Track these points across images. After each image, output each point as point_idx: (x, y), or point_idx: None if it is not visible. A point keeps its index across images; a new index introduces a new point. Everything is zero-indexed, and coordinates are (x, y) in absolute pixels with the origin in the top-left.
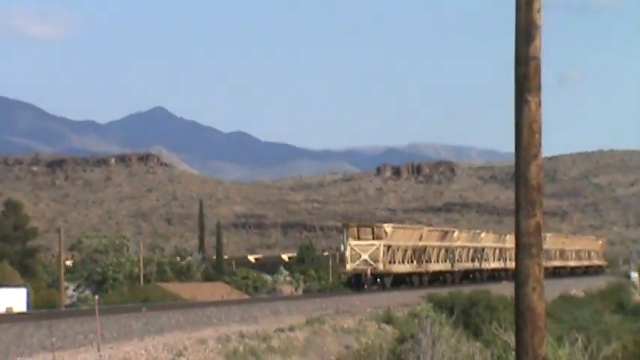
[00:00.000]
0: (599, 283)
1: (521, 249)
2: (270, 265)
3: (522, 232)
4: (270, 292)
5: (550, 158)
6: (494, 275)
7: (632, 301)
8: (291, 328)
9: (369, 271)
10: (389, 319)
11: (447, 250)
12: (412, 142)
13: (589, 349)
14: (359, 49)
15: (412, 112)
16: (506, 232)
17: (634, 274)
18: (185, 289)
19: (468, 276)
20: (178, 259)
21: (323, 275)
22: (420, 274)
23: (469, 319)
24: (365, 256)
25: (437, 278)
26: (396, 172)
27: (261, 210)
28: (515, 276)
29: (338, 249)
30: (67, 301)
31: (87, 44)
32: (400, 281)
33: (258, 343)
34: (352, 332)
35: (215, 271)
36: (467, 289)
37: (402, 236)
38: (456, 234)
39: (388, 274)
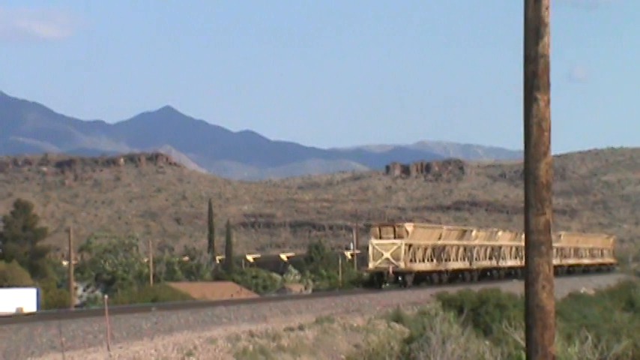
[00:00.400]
0: (609, 281)
1: (531, 247)
2: (270, 265)
3: (532, 230)
4: (279, 291)
5: (559, 156)
6: (511, 273)
7: None
8: (301, 327)
9: (390, 270)
10: (398, 318)
11: (465, 249)
12: (420, 140)
13: (599, 347)
14: (367, 48)
15: (420, 110)
16: (522, 230)
17: None
18: (194, 289)
19: (485, 274)
20: (187, 258)
21: (332, 274)
22: (439, 272)
23: (479, 317)
24: (387, 255)
25: (456, 276)
26: (405, 170)
27: (270, 209)
28: (525, 274)
29: (347, 247)
30: (77, 301)
31: (95, 44)
32: (421, 279)
33: (268, 342)
34: (361, 331)
35: (224, 271)
36: (479, 288)
37: (422, 235)
38: (474, 233)
39: (409, 272)
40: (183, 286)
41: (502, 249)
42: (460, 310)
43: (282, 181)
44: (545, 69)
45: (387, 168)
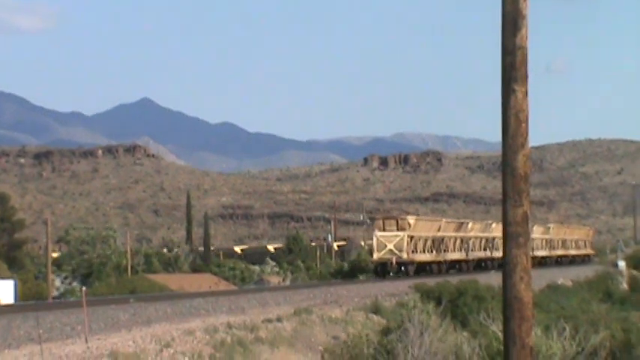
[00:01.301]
0: (586, 272)
1: (509, 238)
2: (256, 256)
3: (509, 222)
4: (257, 282)
5: (537, 147)
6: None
7: (620, 290)
8: (279, 319)
9: (394, 260)
10: (376, 310)
11: (462, 240)
12: (398, 131)
13: (577, 338)
14: (345, 40)
15: (398, 101)
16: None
17: (621, 263)
18: (172, 281)
19: (480, 264)
20: (165, 250)
21: (311, 265)
22: (439, 263)
23: (457, 309)
24: (390, 246)
25: (453, 266)
26: (384, 162)
27: (249, 201)
28: (503, 266)
29: (325, 239)
30: (55, 293)
31: (73, 35)
32: (421, 269)
33: (246, 334)
34: (340, 322)
35: (203, 262)
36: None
37: (423, 227)
38: (470, 225)
39: (412, 262)
40: (161, 278)
41: (495, 240)
42: (438, 302)
43: (260, 172)
44: (522, 61)
45: (365, 160)
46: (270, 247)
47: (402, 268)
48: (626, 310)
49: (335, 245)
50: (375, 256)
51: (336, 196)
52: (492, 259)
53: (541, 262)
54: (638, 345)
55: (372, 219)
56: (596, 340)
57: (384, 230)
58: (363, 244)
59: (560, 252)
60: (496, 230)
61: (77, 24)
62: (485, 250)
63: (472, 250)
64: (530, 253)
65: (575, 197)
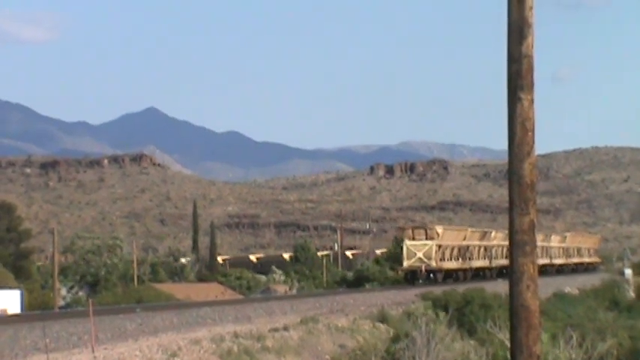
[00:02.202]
0: (593, 280)
1: (515, 247)
2: (270, 265)
3: (516, 230)
4: (264, 292)
5: (543, 156)
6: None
7: (626, 298)
8: (285, 328)
9: (423, 268)
10: (383, 318)
11: (485, 249)
12: (404, 140)
13: (584, 346)
14: (351, 48)
15: (404, 110)
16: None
17: (628, 271)
18: (179, 290)
19: (502, 271)
20: (172, 259)
21: (317, 275)
22: (464, 270)
23: (463, 317)
24: (419, 255)
25: (478, 273)
26: (390, 170)
27: (255, 210)
28: (510, 274)
29: (332, 248)
30: (61, 303)
31: (79, 45)
32: (448, 276)
33: (253, 343)
34: (346, 331)
35: (209, 272)
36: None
37: (450, 237)
38: (493, 234)
39: (440, 270)
40: (168, 287)
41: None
42: (445, 310)
43: (266, 181)
44: (528, 69)
45: (372, 168)
46: (286, 256)
47: (431, 275)
48: (633, 318)
49: (349, 253)
50: (405, 264)
51: (343, 205)
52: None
53: (559, 270)
54: None
55: (402, 229)
56: (603, 348)
57: (413, 239)
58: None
59: (575, 260)
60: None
61: (83, 34)
62: (506, 257)
63: (495, 258)
64: (549, 261)
65: (581, 205)
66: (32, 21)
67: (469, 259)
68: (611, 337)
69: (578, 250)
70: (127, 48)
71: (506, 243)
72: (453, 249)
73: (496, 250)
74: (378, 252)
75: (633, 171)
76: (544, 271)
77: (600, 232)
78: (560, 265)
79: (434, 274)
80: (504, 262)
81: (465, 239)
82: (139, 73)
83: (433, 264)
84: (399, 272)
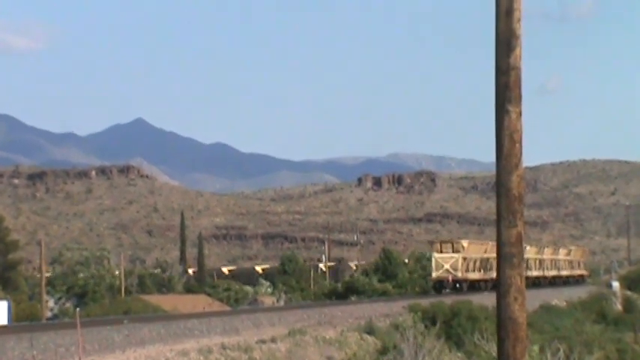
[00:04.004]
0: (580, 292)
1: (503, 259)
2: (245, 277)
3: (504, 243)
4: (251, 303)
5: (531, 168)
6: (535, 282)
7: (614, 311)
8: (273, 340)
9: (450, 278)
10: (370, 330)
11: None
12: (392, 152)
13: (571, 358)
14: (339, 60)
15: (392, 121)
16: (545, 245)
17: (615, 284)
18: (166, 301)
19: None
20: (159, 271)
21: (305, 286)
22: (485, 281)
23: (451, 329)
24: (447, 266)
25: (496, 284)
26: (377, 182)
27: (242, 221)
28: (497, 286)
29: (319, 260)
30: (49, 314)
31: (66, 56)
32: (471, 286)
33: (240, 355)
34: (334, 343)
35: (197, 283)
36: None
37: (474, 250)
38: None
39: (465, 280)
40: (155, 299)
41: (529, 261)
42: (432, 322)
43: (254, 193)
44: (516, 81)
45: (359, 180)
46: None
47: (457, 285)
48: (620, 331)
49: (322, 266)
50: (434, 274)
51: (330, 217)
52: (527, 278)
53: (551, 282)
54: None
55: (431, 242)
56: None
57: (441, 252)
58: (354, 266)
59: (578, 272)
60: (529, 252)
61: (71, 44)
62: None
63: None
64: (543, 274)
65: (569, 218)
66: (20, 31)
67: (490, 270)
68: (598, 349)
69: (578, 263)
70: (115, 59)
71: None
72: (476, 261)
73: None
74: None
75: (621, 184)
76: (537, 282)
77: (587, 244)
78: (567, 277)
79: (460, 284)
80: None
81: (486, 252)
82: (127, 85)
83: (459, 274)
84: (428, 282)
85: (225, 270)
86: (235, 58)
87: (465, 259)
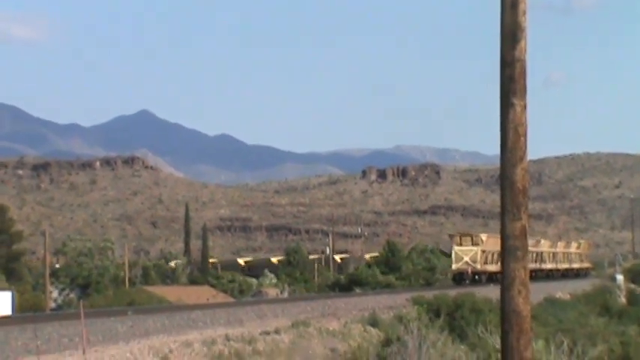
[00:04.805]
0: (584, 285)
1: (507, 252)
2: (261, 269)
3: (508, 236)
4: (255, 295)
5: (535, 161)
6: (548, 275)
7: (618, 304)
8: (277, 331)
9: (469, 270)
10: (374, 322)
11: None
12: (397, 144)
13: (575, 351)
14: (344, 52)
15: (397, 114)
16: (559, 239)
17: (619, 277)
18: (171, 292)
19: (531, 275)
20: (164, 262)
21: (308, 278)
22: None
23: (454, 322)
24: (466, 259)
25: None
26: (382, 174)
27: (247, 213)
28: (501, 279)
29: (324, 252)
30: (52, 305)
31: (72, 47)
32: (490, 278)
33: (244, 346)
34: (337, 335)
35: (201, 274)
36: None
37: (492, 243)
38: None
39: (484, 272)
40: (159, 290)
41: (543, 254)
42: (436, 315)
43: (258, 185)
44: (521, 74)
45: (364, 172)
46: (274, 260)
47: (476, 277)
48: (624, 324)
49: (337, 257)
50: (454, 266)
51: (334, 209)
52: (541, 270)
53: (564, 274)
54: (637, 359)
55: (451, 236)
56: (594, 353)
57: (460, 245)
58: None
59: (587, 264)
60: (544, 246)
61: (76, 35)
62: (535, 262)
63: None
64: (556, 266)
65: (573, 211)
66: (24, 21)
67: None
68: (602, 342)
69: (587, 256)
70: (120, 50)
71: (534, 249)
72: (494, 254)
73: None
74: (367, 256)
75: (625, 177)
76: (550, 275)
77: (592, 237)
78: (579, 269)
79: (479, 276)
80: (533, 266)
81: None
82: (132, 76)
83: (478, 267)
84: (448, 274)
85: (241, 261)
86: (240, 49)
87: (483, 251)
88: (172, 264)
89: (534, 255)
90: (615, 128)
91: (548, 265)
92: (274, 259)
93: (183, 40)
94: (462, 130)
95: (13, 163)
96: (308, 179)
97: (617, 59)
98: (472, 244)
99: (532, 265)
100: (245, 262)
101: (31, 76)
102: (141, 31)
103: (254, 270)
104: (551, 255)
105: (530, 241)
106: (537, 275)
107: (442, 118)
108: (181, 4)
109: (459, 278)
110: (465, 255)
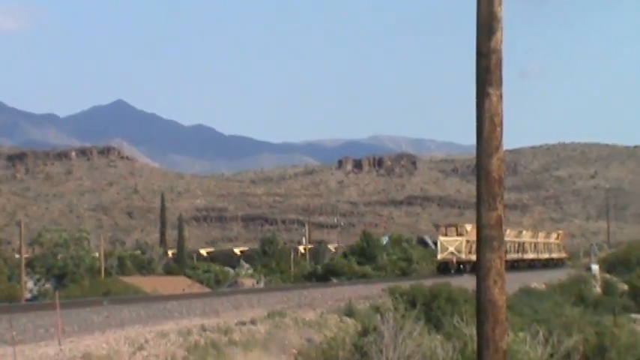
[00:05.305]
0: (559, 275)
1: (483, 242)
2: (224, 259)
3: (484, 225)
4: (231, 285)
5: (511, 151)
6: (530, 265)
7: (593, 294)
8: (253, 321)
9: (454, 260)
10: (350, 312)
11: None
12: (373, 134)
13: (550, 341)
14: (319, 41)
15: (373, 104)
16: (540, 229)
17: (595, 267)
18: (146, 283)
19: (513, 265)
20: (139, 252)
21: (285, 268)
22: None
23: (430, 312)
24: (451, 249)
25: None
26: (358, 165)
27: (222, 203)
28: (477, 269)
29: (299, 242)
30: (28, 295)
31: (47, 37)
32: (475, 268)
33: (220, 336)
34: (313, 325)
35: (177, 265)
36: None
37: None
38: (507, 232)
39: (468, 261)
40: (135, 280)
41: (524, 245)
42: (412, 305)
43: (234, 175)
44: (497, 64)
45: (340, 162)
46: (237, 250)
47: (461, 266)
48: (599, 314)
49: (301, 248)
50: (439, 256)
51: (310, 199)
52: (523, 260)
53: (544, 264)
54: (612, 349)
55: (437, 226)
56: (570, 343)
57: (446, 235)
58: (333, 248)
59: (564, 254)
60: (526, 236)
61: (51, 24)
62: (518, 252)
63: (508, 252)
64: (537, 256)
65: (548, 201)
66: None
67: None
68: (577, 332)
69: (564, 246)
70: (96, 40)
71: (517, 240)
72: None
73: (509, 246)
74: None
75: (600, 167)
76: (532, 265)
77: (567, 227)
78: (558, 259)
79: (463, 266)
80: (515, 256)
81: None
82: (108, 66)
83: (463, 257)
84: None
85: (203, 252)
86: (217, 40)
87: (468, 241)
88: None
89: (516, 245)
90: (590, 118)
91: (530, 256)
92: (237, 250)
93: (159, 30)
94: (438, 121)
95: None
96: (284, 169)
97: (594, 50)
98: (457, 235)
99: (514, 256)
100: (207, 253)
101: (5, 66)
102: (117, 20)
103: (216, 261)
104: (532, 245)
105: (513, 232)
106: (519, 265)
107: (418, 108)
108: None
109: (444, 268)
110: (450, 245)
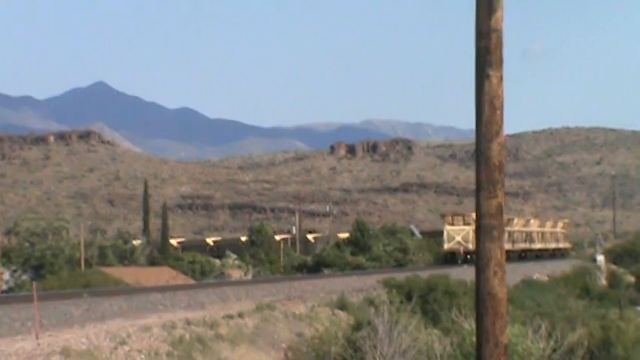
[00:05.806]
0: (563, 266)
1: (482, 231)
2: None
3: (483, 214)
4: (217, 276)
5: (512, 136)
6: (537, 255)
7: (598, 286)
8: (240, 315)
9: (461, 250)
10: (343, 305)
11: (509, 234)
12: (367, 118)
13: (553, 336)
14: (312, 23)
15: (367, 87)
16: (550, 218)
17: (600, 258)
18: (128, 274)
19: (521, 254)
20: (121, 242)
21: (274, 259)
22: None
23: (427, 305)
24: (458, 238)
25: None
26: (351, 150)
27: (209, 190)
28: (476, 260)
29: (289, 231)
30: (4, 287)
31: (24, 16)
32: None
33: (206, 331)
34: (304, 319)
35: (160, 255)
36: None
37: None
38: (515, 221)
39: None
40: (117, 271)
41: (533, 234)
42: (408, 298)
43: (221, 161)
44: (497, 44)
45: (332, 148)
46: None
47: (468, 256)
48: (605, 306)
49: (311, 237)
50: (446, 246)
51: (301, 186)
52: (531, 250)
53: (551, 254)
54: (618, 344)
55: (443, 215)
56: (574, 338)
57: (452, 225)
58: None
59: (562, 245)
60: (534, 225)
61: (29, 4)
62: (526, 242)
63: (516, 242)
64: (545, 246)
65: (551, 188)
66: None
67: None
68: (581, 326)
69: (567, 236)
70: (75, 19)
71: (525, 229)
72: None
73: (517, 236)
74: (340, 235)
75: (606, 153)
76: (539, 255)
77: (571, 216)
78: (565, 249)
79: (471, 255)
80: (524, 245)
81: None
82: (87, 46)
83: (470, 246)
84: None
85: (173, 242)
86: (202, 19)
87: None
88: (135, 243)
89: (524, 235)
90: (596, 102)
91: (538, 245)
92: (209, 240)
93: (141, 8)
94: (436, 104)
95: None
96: (273, 155)
97: (599, 32)
98: (464, 224)
99: (522, 245)
100: (178, 243)
101: None
102: (96, 0)
103: (221, 250)
104: (540, 235)
105: (520, 221)
106: (527, 256)
107: (414, 91)
108: None
109: (451, 258)
110: (457, 235)
